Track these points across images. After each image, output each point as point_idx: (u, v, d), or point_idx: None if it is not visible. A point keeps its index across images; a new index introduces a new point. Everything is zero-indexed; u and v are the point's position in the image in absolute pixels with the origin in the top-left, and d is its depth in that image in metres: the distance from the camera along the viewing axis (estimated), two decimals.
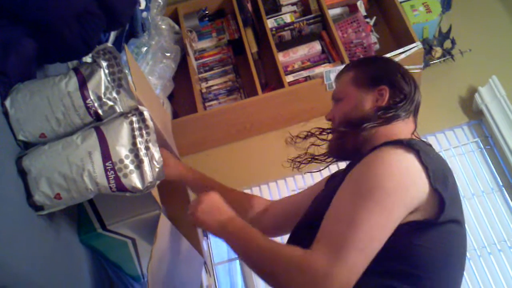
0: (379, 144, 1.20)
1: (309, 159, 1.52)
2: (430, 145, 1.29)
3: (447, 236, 1.13)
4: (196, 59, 3.39)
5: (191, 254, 1.55)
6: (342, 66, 3.03)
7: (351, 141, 1.32)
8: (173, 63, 3.07)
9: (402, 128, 1.30)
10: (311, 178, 3.17)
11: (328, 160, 1.48)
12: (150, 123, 1.03)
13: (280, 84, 3.13)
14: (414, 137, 1.30)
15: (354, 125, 1.30)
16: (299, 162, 1.53)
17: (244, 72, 3.34)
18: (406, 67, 2.85)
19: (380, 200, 1.05)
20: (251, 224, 1.24)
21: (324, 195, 1.31)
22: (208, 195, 1.30)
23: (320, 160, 1.49)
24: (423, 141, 1.29)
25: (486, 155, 2.99)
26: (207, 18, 3.57)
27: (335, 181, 1.34)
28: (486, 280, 2.65)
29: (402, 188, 1.07)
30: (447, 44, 3.32)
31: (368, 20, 3.28)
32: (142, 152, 1.00)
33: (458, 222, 1.15)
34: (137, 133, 1.01)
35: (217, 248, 3.29)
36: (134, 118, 1.03)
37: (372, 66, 1.40)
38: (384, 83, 1.32)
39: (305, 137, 1.52)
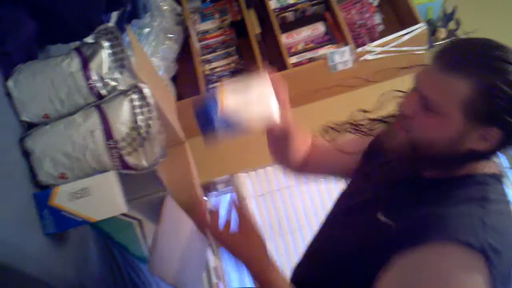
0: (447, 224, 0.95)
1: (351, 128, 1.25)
2: (502, 182, 1.06)
3: None
4: (199, 41, 3.37)
5: (196, 235, 1.56)
6: (347, 48, 3.03)
7: (418, 164, 1.06)
8: (176, 44, 3.05)
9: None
10: None
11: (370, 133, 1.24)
12: (150, 100, 1.03)
13: (283, 66, 3.11)
14: (492, 170, 1.05)
15: (434, 160, 1.02)
16: (336, 130, 1.26)
17: (247, 54, 3.32)
18: (410, 48, 2.75)
19: None
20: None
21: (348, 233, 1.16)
22: (257, 238, 1.11)
23: (363, 133, 1.25)
24: (501, 177, 1.05)
25: None
26: None
27: (371, 170, 1.22)
28: None
29: None
30: (452, 25, 3.29)
31: (371, 0, 3.25)
32: (144, 129, 1.00)
33: None
34: (138, 110, 1.00)
35: None
36: (134, 96, 1.02)
37: (498, 96, 0.93)
38: (498, 125, 0.96)
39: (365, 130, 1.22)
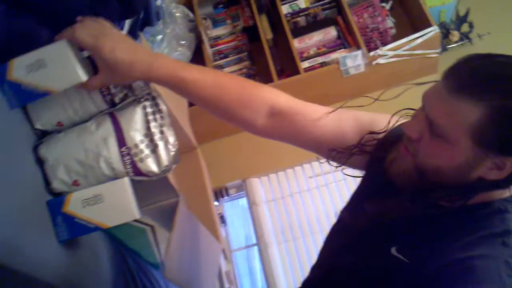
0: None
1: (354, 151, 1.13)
2: None
3: None
4: (211, 47, 3.38)
5: (209, 240, 1.56)
6: (359, 52, 3.03)
7: (426, 191, 0.96)
8: (188, 51, 3.07)
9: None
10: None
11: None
12: (163, 107, 1.03)
13: (295, 71, 3.11)
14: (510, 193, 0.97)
15: (443, 188, 0.94)
16: (343, 152, 1.14)
17: (259, 59, 3.33)
18: (423, 51, 2.70)
19: None
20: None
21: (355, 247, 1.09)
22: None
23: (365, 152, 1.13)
24: None
25: None
26: (221, 5, 3.56)
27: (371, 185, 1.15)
28: None
29: None
30: (465, 27, 3.28)
31: (384, 4, 3.25)
32: (157, 136, 1.00)
33: None
34: (151, 117, 1.01)
35: (235, 234, 3.31)
36: (147, 103, 1.03)
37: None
38: None
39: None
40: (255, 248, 3.19)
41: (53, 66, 0.94)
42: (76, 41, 0.94)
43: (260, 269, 3.13)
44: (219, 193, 3.32)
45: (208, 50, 3.31)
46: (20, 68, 0.93)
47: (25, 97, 0.95)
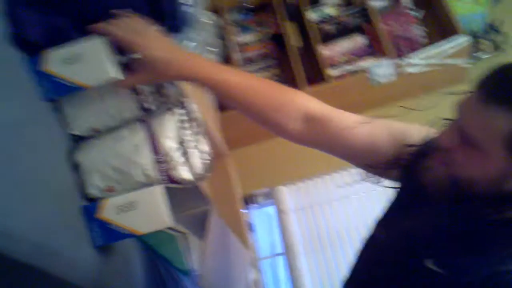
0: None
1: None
2: None
3: None
4: (240, 53, 3.39)
5: (238, 249, 1.56)
6: (388, 61, 3.00)
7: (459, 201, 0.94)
8: (218, 57, 3.07)
9: None
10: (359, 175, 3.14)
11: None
12: (197, 115, 1.04)
13: (323, 79, 3.10)
14: None
15: (477, 198, 0.91)
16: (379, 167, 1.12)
17: (287, 67, 3.32)
18: (453, 61, 2.65)
19: None
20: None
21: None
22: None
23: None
24: None
25: None
26: (250, 12, 3.56)
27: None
28: None
29: None
30: (496, 37, 3.24)
31: (413, 12, 3.22)
32: (190, 144, 1.01)
33: None
34: (184, 125, 1.01)
35: (261, 242, 3.30)
36: (181, 111, 1.03)
37: None
38: None
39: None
40: (281, 257, 3.18)
41: (88, 61, 0.94)
42: (114, 36, 0.94)
43: (285, 278, 3.12)
44: (248, 201, 3.31)
45: (236, 57, 3.31)
46: (56, 61, 0.94)
47: (58, 91, 0.95)
